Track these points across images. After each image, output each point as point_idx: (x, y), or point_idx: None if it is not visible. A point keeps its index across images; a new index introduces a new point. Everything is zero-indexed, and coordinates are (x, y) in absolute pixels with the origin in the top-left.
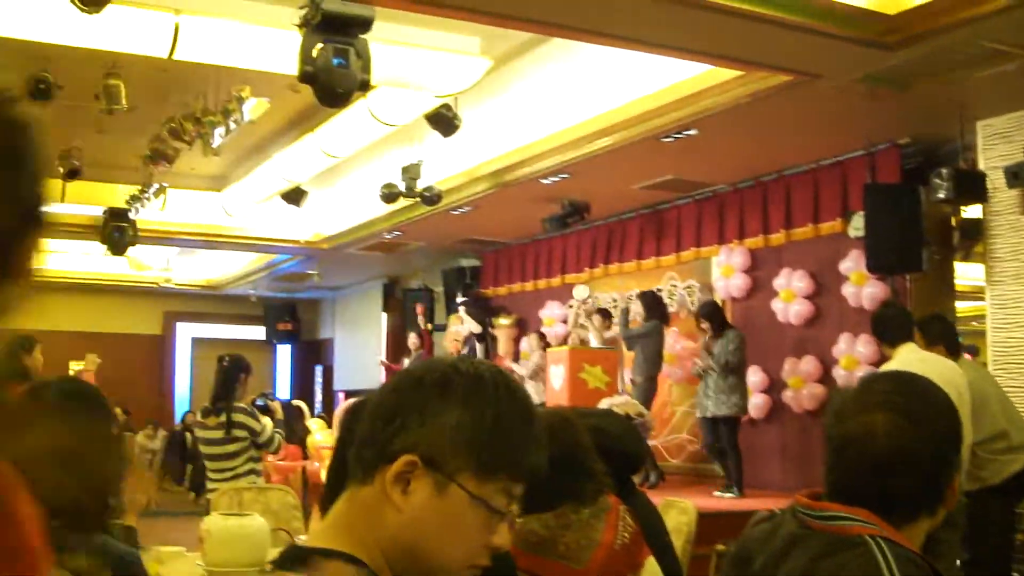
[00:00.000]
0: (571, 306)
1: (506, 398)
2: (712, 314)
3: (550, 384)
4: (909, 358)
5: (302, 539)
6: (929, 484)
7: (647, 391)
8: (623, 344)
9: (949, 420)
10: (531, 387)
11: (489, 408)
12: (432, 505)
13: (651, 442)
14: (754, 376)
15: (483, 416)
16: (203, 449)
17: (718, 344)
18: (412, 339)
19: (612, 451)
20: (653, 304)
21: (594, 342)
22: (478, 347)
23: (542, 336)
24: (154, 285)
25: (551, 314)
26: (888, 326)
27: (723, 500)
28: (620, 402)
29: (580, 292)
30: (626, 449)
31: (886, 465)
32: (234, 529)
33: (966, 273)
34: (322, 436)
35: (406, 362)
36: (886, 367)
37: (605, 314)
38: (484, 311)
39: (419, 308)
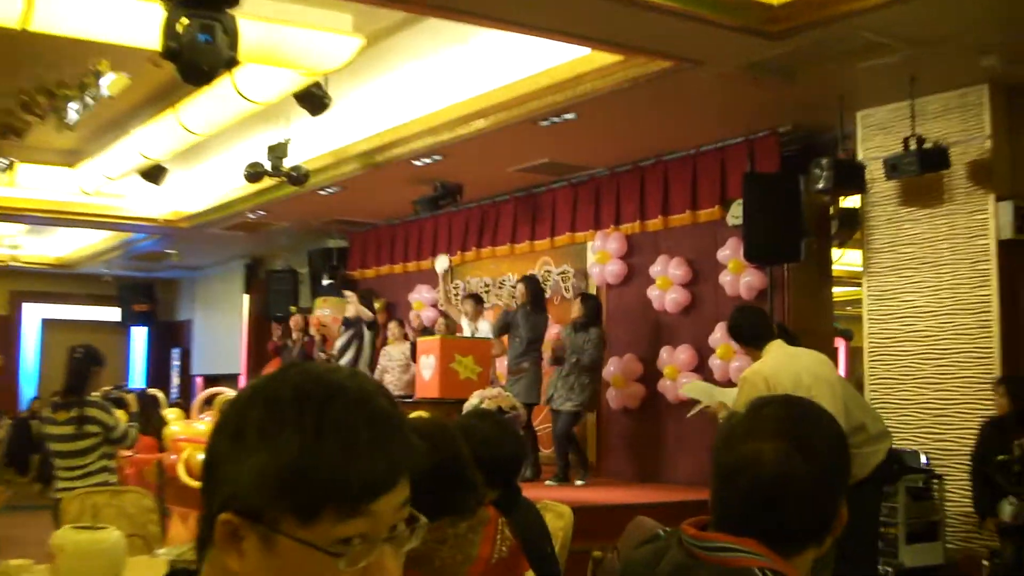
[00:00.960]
0: (442, 292)
1: (317, 417)
2: (592, 308)
3: (420, 375)
4: (779, 354)
5: (161, 552)
6: (818, 514)
7: (537, 376)
8: (499, 329)
9: (839, 449)
10: (395, 379)
11: (293, 436)
12: (268, 564)
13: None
14: (628, 365)
15: (285, 450)
16: (52, 446)
17: (579, 338)
18: (295, 321)
19: (488, 457)
20: (536, 290)
21: (466, 329)
22: (366, 335)
23: (400, 324)
24: None
25: (421, 298)
26: (752, 330)
27: (591, 492)
28: (492, 394)
29: (441, 263)
30: (503, 453)
31: (775, 495)
32: (87, 544)
33: (842, 259)
34: (179, 427)
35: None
36: (760, 365)
37: (477, 300)
38: (365, 298)
39: (350, 296)
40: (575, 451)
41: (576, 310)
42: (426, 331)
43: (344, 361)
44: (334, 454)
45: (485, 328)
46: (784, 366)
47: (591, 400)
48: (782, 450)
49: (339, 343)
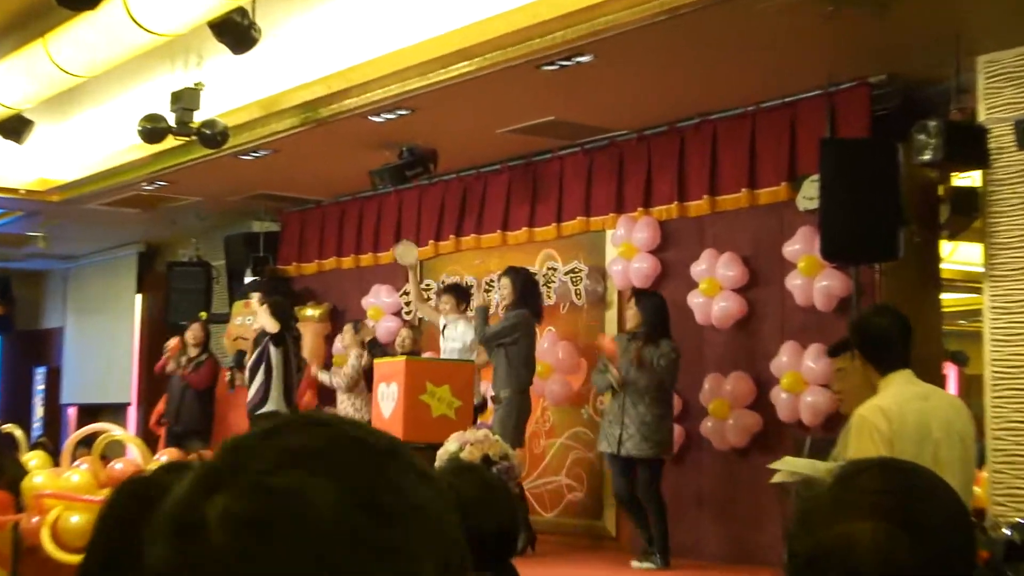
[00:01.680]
0: (406, 292)
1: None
2: (656, 310)
3: (377, 408)
4: (905, 392)
5: None
6: None
7: (519, 411)
8: (479, 351)
9: (959, 530)
10: (347, 403)
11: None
12: None
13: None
14: None
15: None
16: None
17: (646, 353)
18: (193, 332)
19: (473, 529)
20: (526, 285)
21: (445, 336)
22: (273, 353)
23: (355, 329)
24: None
25: (379, 303)
26: (888, 345)
27: None
28: (476, 438)
29: (405, 253)
30: (492, 523)
31: None
32: None
33: (955, 256)
34: (44, 478)
35: (184, 365)
36: (880, 401)
37: (459, 293)
38: (288, 301)
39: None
40: (658, 519)
41: (633, 317)
42: (384, 351)
43: (253, 388)
44: None
45: (467, 335)
46: (912, 409)
47: (671, 435)
48: (883, 533)
49: (249, 363)
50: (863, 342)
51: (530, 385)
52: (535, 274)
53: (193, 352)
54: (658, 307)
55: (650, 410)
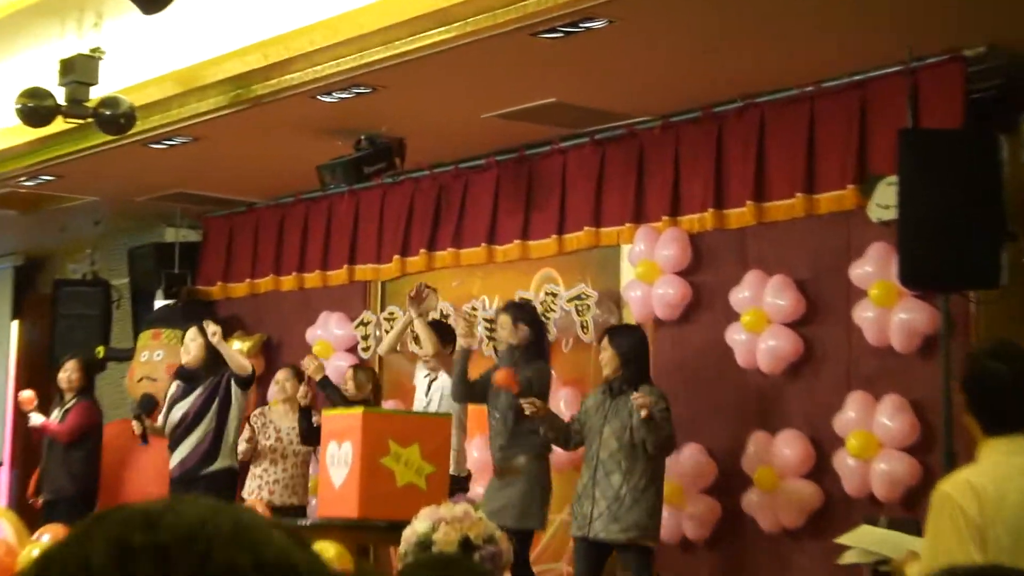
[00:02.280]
0: (365, 323)
1: None
2: (634, 351)
3: (325, 475)
4: (1008, 467)
5: None
6: None
7: (543, 483)
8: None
9: None
10: (277, 476)
11: None
12: None
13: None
14: (692, 463)
15: None
16: None
17: (623, 401)
18: (67, 374)
19: None
20: (534, 326)
21: (420, 390)
22: (236, 397)
23: (296, 374)
24: None
25: (328, 336)
26: (998, 395)
27: None
28: (453, 516)
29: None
30: None
31: None
32: None
33: None
34: None
35: (55, 415)
36: (970, 475)
37: (442, 332)
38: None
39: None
40: None
41: (609, 361)
42: (330, 384)
43: (191, 440)
44: None
45: (446, 385)
46: (1016, 487)
47: (657, 522)
48: None
49: (176, 412)
50: (971, 389)
51: (551, 450)
52: (530, 302)
53: (67, 399)
54: (636, 345)
55: (627, 481)
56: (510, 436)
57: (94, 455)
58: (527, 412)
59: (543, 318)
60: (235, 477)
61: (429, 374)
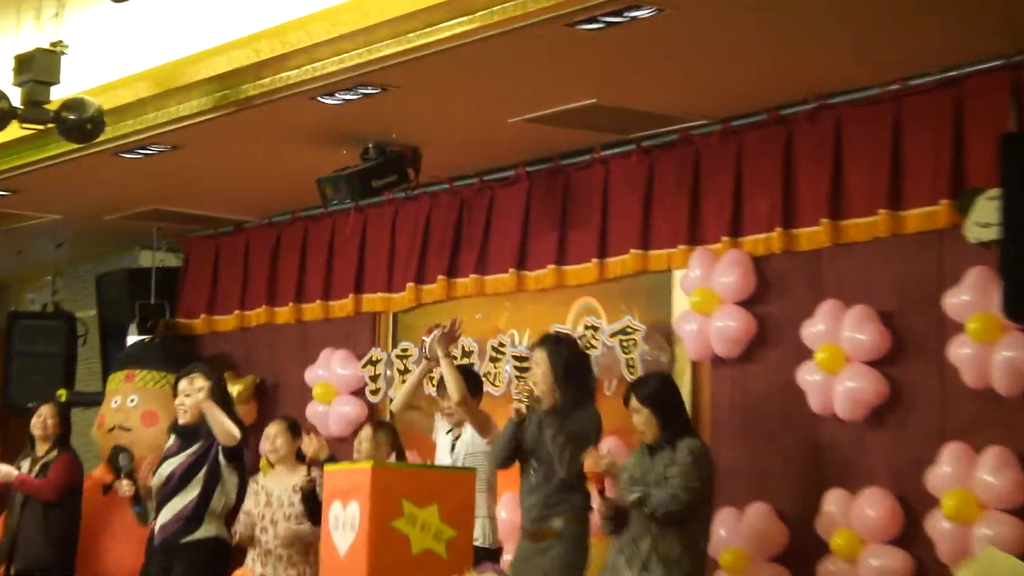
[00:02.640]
0: (374, 361)
1: None
2: (663, 400)
3: (329, 543)
4: None
5: None
6: None
7: (583, 549)
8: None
9: None
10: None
11: None
12: None
13: None
14: (759, 525)
15: None
16: None
17: (660, 460)
18: (41, 420)
19: None
20: (576, 363)
21: (442, 445)
22: (225, 471)
23: (292, 428)
24: None
25: (329, 378)
26: None
27: None
28: None
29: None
30: None
31: None
32: None
33: None
34: None
35: (25, 468)
36: None
37: (468, 380)
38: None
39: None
40: None
41: (645, 422)
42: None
43: (175, 504)
44: None
45: (476, 443)
46: None
47: None
48: None
49: (165, 468)
50: None
51: (591, 510)
52: (572, 334)
53: (41, 450)
54: (668, 396)
55: (656, 548)
56: (550, 494)
57: (75, 517)
58: (599, 510)
59: (584, 353)
60: (225, 548)
61: (452, 429)
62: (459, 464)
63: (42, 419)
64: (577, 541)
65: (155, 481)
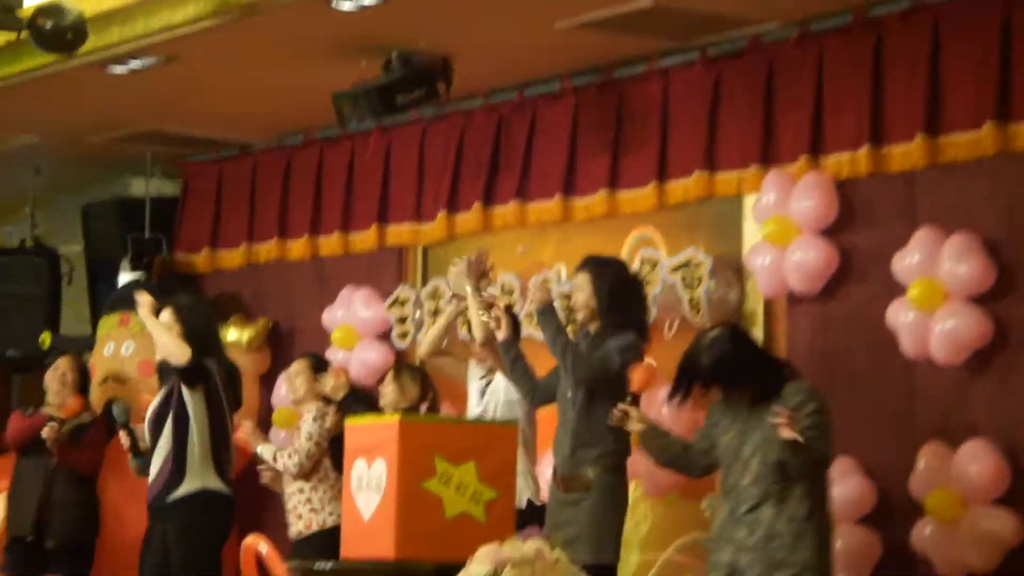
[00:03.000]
0: (401, 301)
1: None
2: (738, 353)
3: (350, 504)
4: None
5: None
6: None
7: (617, 503)
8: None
9: None
10: (298, 496)
11: None
12: None
13: None
14: (847, 479)
15: None
16: None
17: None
18: (59, 373)
19: None
20: (623, 288)
21: (473, 394)
22: (187, 399)
23: (315, 362)
24: None
25: (352, 318)
26: None
27: None
28: (522, 557)
29: (457, 280)
30: None
31: None
32: None
33: None
34: None
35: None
36: None
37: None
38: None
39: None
40: None
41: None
42: (360, 401)
43: (155, 461)
44: None
45: (510, 391)
46: None
47: (828, 559)
48: None
49: (149, 411)
50: None
51: (628, 456)
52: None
53: (57, 405)
54: (744, 350)
55: (782, 512)
56: (582, 433)
57: (94, 487)
58: (614, 421)
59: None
60: (216, 501)
61: (485, 375)
62: (488, 414)
63: (59, 372)
64: (611, 493)
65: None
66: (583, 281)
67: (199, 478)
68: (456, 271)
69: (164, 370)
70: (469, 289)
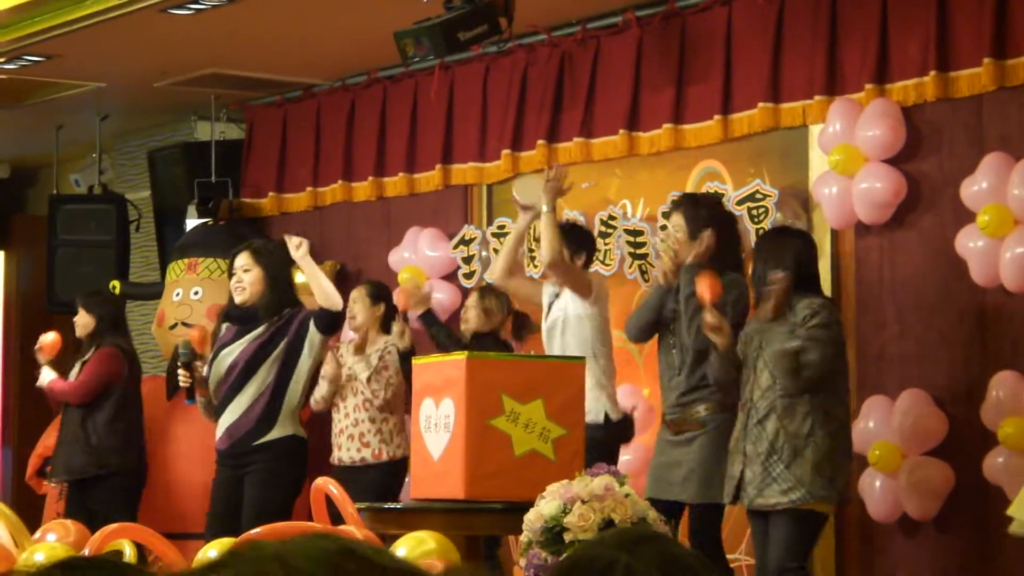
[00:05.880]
0: (467, 240)
1: None
2: (794, 254)
3: (420, 443)
4: None
5: None
6: None
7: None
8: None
9: None
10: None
11: None
12: None
13: None
14: (910, 414)
15: None
16: None
17: (777, 335)
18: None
19: None
20: (722, 225)
21: (543, 319)
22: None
23: (378, 294)
24: None
25: (418, 259)
26: None
27: None
28: (592, 492)
29: (525, 189)
30: None
31: None
32: None
33: None
34: None
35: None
36: None
37: (580, 241)
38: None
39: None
40: None
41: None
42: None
43: (242, 401)
44: None
45: (575, 304)
46: None
47: (829, 481)
48: None
49: (223, 361)
50: None
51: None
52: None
53: (87, 350)
54: (798, 251)
55: (784, 427)
56: (692, 375)
57: (121, 418)
58: (707, 328)
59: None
60: (303, 448)
61: (555, 291)
62: (556, 329)
63: (79, 316)
64: (724, 432)
65: (212, 378)
66: (677, 222)
67: (291, 424)
68: (528, 183)
69: (248, 315)
70: (545, 208)
